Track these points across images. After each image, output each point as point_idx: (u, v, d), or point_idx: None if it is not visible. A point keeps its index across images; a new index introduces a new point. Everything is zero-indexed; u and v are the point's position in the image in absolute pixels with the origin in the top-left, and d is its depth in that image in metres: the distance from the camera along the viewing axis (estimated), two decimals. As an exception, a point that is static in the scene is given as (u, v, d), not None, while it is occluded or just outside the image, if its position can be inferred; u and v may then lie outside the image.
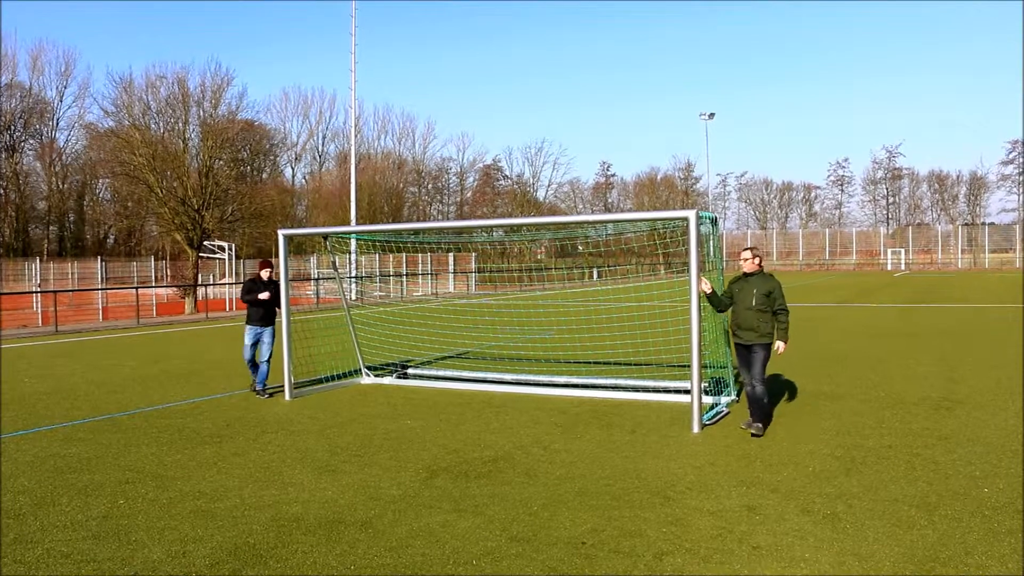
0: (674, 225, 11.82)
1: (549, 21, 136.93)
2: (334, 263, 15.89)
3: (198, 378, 13.78)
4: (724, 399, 10.73)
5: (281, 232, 12.61)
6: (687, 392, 10.04)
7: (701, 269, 9.43)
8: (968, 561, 5.27)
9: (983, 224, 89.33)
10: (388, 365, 13.88)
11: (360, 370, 13.42)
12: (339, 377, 13.19)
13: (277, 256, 12.61)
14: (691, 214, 9.42)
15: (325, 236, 14.17)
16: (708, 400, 10.36)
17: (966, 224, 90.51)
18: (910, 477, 7.16)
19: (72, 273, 47.81)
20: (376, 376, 13.30)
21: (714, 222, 10.67)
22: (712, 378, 10.91)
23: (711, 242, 10.92)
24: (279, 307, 12.05)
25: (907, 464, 7.59)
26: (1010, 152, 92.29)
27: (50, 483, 7.44)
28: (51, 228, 73.26)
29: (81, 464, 8.12)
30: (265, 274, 11.97)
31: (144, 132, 40.27)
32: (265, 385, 11.91)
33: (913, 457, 7.83)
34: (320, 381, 12.90)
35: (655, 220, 11.84)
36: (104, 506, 6.70)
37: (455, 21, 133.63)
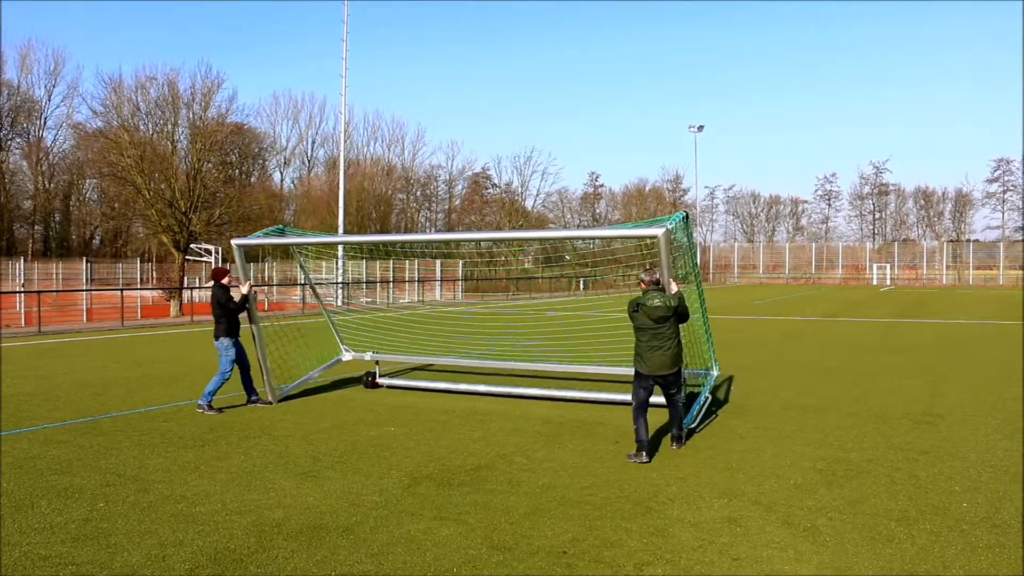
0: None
1: (540, 31, 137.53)
2: (303, 267, 15.77)
3: (182, 381, 13.72)
4: (705, 387, 10.79)
5: (235, 242, 12.28)
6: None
7: (676, 279, 9.41)
8: (946, 575, 5.30)
9: (968, 241, 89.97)
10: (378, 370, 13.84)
11: (340, 351, 13.62)
12: (326, 387, 13.17)
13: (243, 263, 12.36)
14: (660, 232, 9.22)
15: (290, 245, 14.14)
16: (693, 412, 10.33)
17: (951, 240, 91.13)
18: (891, 491, 7.20)
19: (57, 274, 47.52)
20: (356, 352, 13.47)
21: (685, 220, 10.43)
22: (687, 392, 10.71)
23: (689, 253, 10.86)
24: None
25: (888, 478, 7.63)
26: (995, 170, 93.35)
27: (30, 485, 7.39)
28: (36, 228, 72.84)
29: (61, 466, 8.08)
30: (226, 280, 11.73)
31: (133, 133, 40.16)
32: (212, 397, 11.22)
33: (894, 471, 7.88)
34: (306, 385, 12.88)
35: (626, 238, 11.58)
36: (84, 509, 6.67)
37: (446, 29, 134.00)
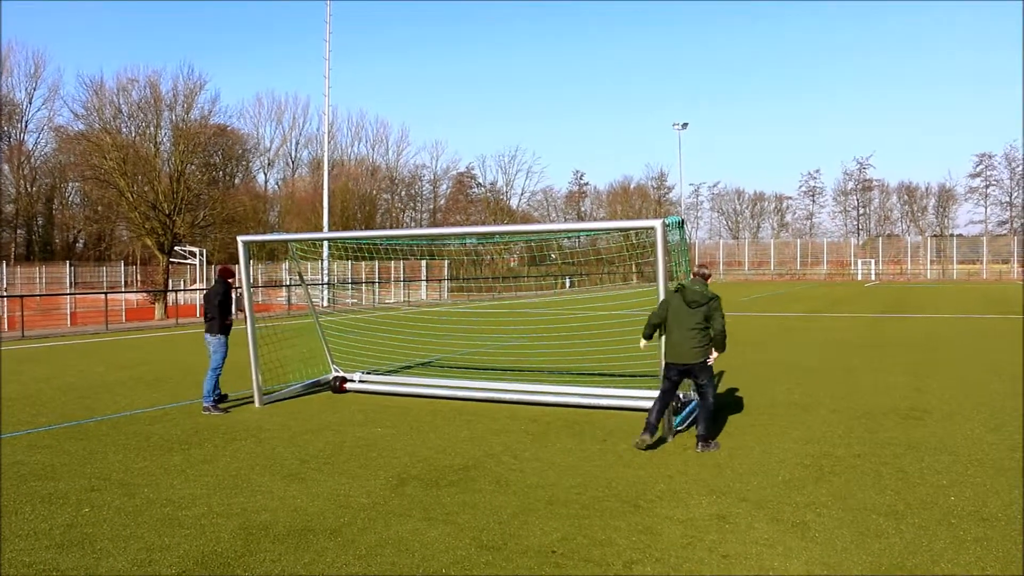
0: (645, 237, 11.85)
1: (524, 30, 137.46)
2: (299, 270, 15.77)
3: (167, 384, 13.63)
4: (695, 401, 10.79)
5: (240, 239, 12.33)
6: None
7: (670, 278, 9.47)
8: (934, 569, 5.32)
9: (951, 236, 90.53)
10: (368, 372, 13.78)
11: (330, 369, 13.38)
12: (313, 387, 13.08)
13: (238, 262, 12.38)
14: (658, 223, 9.40)
15: (287, 242, 14.02)
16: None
17: (935, 235, 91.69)
18: (878, 486, 7.22)
19: (40, 277, 47.18)
20: (345, 372, 13.28)
21: (680, 225, 10.62)
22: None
23: (681, 250, 10.92)
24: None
25: (875, 473, 7.66)
26: (977, 165, 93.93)
27: (13, 491, 7.31)
28: (19, 231, 72.12)
29: (45, 471, 8.00)
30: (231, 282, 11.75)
31: (115, 136, 39.88)
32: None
33: (881, 466, 7.90)
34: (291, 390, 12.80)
35: (623, 230, 11.82)
36: (69, 514, 6.60)
37: (430, 29, 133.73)
